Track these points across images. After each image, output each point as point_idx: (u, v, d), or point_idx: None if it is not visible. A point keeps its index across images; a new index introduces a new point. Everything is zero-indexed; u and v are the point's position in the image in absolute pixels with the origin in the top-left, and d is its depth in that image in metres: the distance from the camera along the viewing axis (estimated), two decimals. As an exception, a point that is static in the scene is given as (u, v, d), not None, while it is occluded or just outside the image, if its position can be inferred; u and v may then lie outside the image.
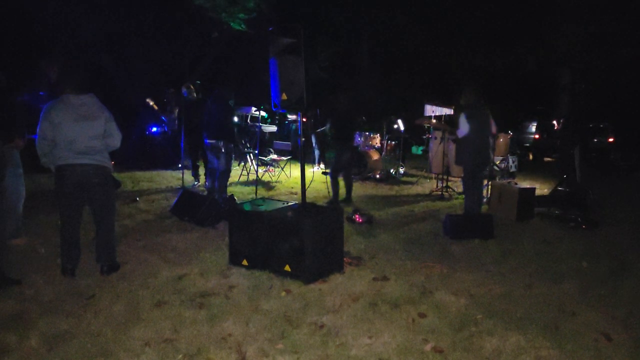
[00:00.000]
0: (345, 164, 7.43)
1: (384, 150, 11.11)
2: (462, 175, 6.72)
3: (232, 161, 7.27)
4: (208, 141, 6.86)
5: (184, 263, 4.54)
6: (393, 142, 11.21)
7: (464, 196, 6.87)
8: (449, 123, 9.70)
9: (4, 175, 4.16)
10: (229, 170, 7.05)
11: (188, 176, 8.79)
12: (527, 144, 17.36)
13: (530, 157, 16.70)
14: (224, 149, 6.72)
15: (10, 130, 4.50)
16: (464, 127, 6.25)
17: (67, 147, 3.96)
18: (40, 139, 3.97)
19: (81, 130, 3.97)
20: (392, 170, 10.48)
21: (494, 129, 6.52)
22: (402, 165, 10.82)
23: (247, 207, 4.55)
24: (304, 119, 11.50)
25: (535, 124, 17.43)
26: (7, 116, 4.53)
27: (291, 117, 13.40)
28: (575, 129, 8.17)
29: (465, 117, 6.25)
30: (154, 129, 10.99)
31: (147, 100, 10.21)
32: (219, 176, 6.85)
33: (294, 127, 13.08)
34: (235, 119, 10.32)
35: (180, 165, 9.26)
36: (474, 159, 6.30)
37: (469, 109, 6.34)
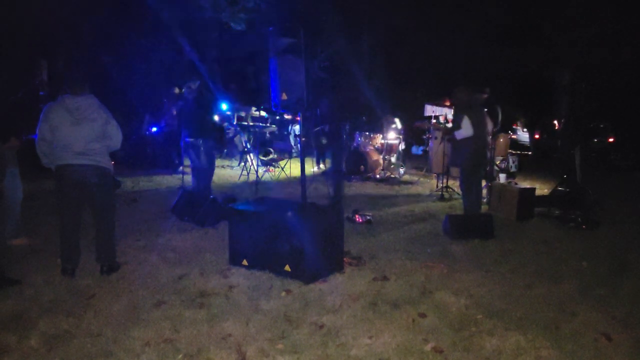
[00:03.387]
0: (339, 163, 7.47)
1: (384, 150, 11.10)
2: (459, 175, 6.71)
3: (215, 159, 7.31)
4: (188, 139, 6.91)
5: (184, 263, 4.54)
6: (393, 142, 11.19)
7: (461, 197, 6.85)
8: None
9: (4, 176, 4.17)
10: (212, 169, 7.08)
11: (188, 176, 8.78)
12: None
13: None
14: (203, 147, 6.75)
15: (6, 130, 4.50)
16: (466, 130, 6.18)
17: (66, 149, 3.97)
18: (39, 140, 4.01)
19: (79, 133, 3.98)
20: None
21: (490, 127, 6.50)
22: (402, 165, 10.81)
23: (247, 207, 4.55)
24: (296, 118, 11.53)
25: None
26: (3, 116, 4.54)
27: (288, 117, 13.34)
28: (576, 129, 8.16)
29: (468, 119, 6.16)
30: (154, 129, 11.00)
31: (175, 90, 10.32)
32: (202, 175, 6.87)
33: (290, 127, 13.03)
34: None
35: (180, 168, 9.26)
36: (472, 160, 6.28)
37: (469, 110, 6.27)
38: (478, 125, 6.20)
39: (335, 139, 7.35)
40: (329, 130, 7.44)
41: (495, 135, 8.10)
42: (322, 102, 7.69)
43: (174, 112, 10.33)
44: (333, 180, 7.48)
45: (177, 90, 10.90)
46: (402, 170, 10.63)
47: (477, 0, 15.13)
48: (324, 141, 7.38)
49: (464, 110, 6.32)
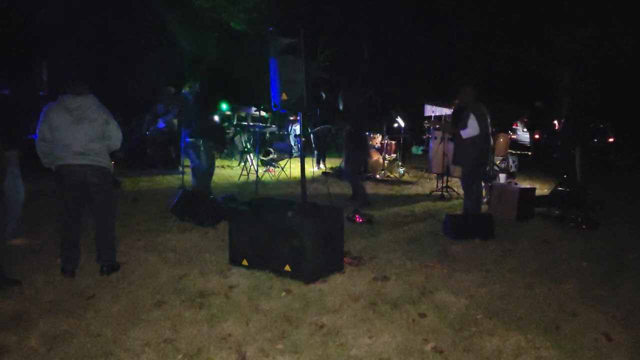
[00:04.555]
0: (361, 162, 7.48)
1: (384, 150, 11.11)
2: (461, 174, 6.69)
3: (214, 160, 7.35)
4: (188, 140, 6.94)
5: (184, 263, 4.54)
6: (393, 142, 11.21)
7: (463, 196, 6.84)
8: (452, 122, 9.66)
9: (4, 177, 4.17)
10: (212, 169, 7.10)
11: (188, 176, 8.78)
12: None
13: None
14: (203, 147, 6.76)
15: (10, 137, 4.50)
16: (473, 129, 6.14)
17: (66, 149, 3.98)
18: (39, 141, 4.02)
19: (79, 133, 3.98)
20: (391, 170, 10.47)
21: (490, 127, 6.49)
22: (402, 166, 10.81)
23: (247, 207, 4.55)
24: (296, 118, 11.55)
25: None
26: (6, 121, 4.55)
27: (292, 117, 13.37)
28: (576, 128, 8.16)
29: (474, 118, 6.11)
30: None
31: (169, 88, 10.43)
32: (202, 175, 6.90)
33: (290, 128, 13.04)
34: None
35: (180, 168, 9.25)
36: (477, 159, 6.26)
37: (475, 109, 6.21)
38: (483, 124, 6.19)
39: (355, 139, 7.33)
40: (349, 131, 7.38)
41: (494, 135, 8.09)
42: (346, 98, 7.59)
43: (173, 112, 10.33)
44: (354, 181, 7.52)
45: (171, 90, 10.91)
46: (402, 170, 10.63)
47: (477, 0, 15.13)
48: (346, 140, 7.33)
49: (470, 109, 6.26)
